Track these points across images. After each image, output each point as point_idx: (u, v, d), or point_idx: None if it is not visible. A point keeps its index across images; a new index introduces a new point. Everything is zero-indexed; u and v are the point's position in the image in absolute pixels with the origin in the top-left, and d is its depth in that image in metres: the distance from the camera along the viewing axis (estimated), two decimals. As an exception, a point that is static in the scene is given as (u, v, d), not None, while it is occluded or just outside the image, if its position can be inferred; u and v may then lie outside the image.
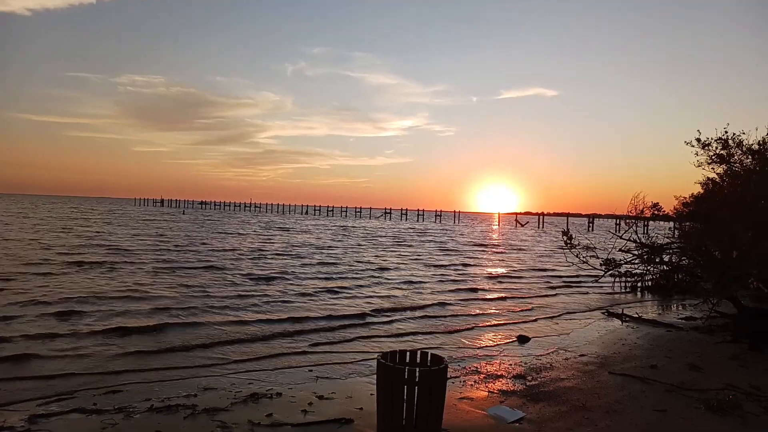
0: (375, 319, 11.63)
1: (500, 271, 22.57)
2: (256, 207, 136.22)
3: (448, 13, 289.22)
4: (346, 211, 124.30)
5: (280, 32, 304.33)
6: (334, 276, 18.12)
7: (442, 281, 18.35)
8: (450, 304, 13.76)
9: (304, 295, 14.10)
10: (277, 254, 25.04)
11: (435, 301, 14.00)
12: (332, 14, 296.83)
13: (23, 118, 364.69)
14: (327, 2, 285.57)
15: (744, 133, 11.42)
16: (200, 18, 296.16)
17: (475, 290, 16.56)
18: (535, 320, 12.24)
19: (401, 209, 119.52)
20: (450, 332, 10.78)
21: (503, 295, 15.92)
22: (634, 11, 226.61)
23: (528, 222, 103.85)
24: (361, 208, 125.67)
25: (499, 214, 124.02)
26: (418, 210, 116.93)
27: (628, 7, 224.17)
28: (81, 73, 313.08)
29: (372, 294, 14.81)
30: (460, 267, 23.19)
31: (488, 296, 15.63)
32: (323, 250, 28.16)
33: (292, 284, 15.87)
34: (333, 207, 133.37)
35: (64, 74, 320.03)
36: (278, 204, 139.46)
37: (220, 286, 14.78)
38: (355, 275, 18.58)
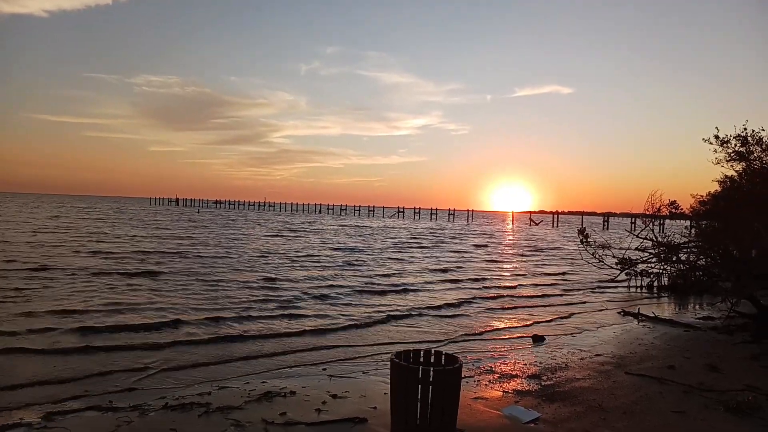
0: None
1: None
2: (270, 206, 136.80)
3: (462, 12, 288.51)
4: (359, 210, 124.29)
5: (294, 32, 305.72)
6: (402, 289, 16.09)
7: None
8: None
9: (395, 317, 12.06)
10: (321, 261, 22.80)
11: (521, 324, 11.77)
12: (346, 14, 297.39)
13: (41, 118, 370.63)
14: (340, 2, 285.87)
15: (764, 130, 11.27)
16: (214, 18, 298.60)
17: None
18: (550, 320, 12.16)
19: (414, 208, 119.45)
20: (465, 333, 10.76)
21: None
22: (651, 8, 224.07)
23: (542, 221, 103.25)
24: (374, 207, 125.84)
25: (513, 212, 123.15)
26: (431, 209, 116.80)
27: (644, 5, 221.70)
28: (97, 73, 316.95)
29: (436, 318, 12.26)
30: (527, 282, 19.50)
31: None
32: (365, 255, 26.37)
33: (367, 304, 13.50)
34: (346, 206, 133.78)
35: (80, 75, 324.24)
36: (292, 203, 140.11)
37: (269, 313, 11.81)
38: (423, 291, 16.02)
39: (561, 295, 16.23)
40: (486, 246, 37.44)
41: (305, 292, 14.53)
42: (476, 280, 19.05)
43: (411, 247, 33.24)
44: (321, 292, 14.82)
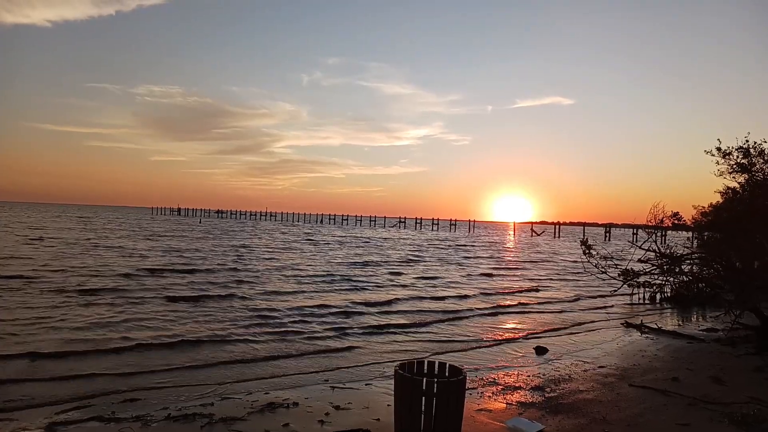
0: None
1: None
2: (271, 216, 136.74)
3: (463, 23, 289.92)
4: (361, 221, 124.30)
5: (296, 43, 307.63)
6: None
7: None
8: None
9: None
10: (353, 281, 19.68)
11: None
12: (347, 24, 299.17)
13: (43, 127, 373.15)
14: (342, 13, 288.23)
15: (766, 142, 11.26)
16: (216, 29, 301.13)
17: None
18: (553, 331, 12.12)
19: (415, 218, 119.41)
20: (467, 341, 10.73)
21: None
22: (652, 20, 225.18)
23: (544, 231, 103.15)
24: (375, 216, 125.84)
25: (514, 223, 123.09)
26: (433, 219, 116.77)
27: (645, 16, 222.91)
28: (100, 83, 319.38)
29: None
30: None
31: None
32: (397, 272, 23.59)
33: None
34: (347, 216, 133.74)
35: (83, 85, 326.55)
36: (293, 213, 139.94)
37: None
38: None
39: (563, 309, 16.18)
40: (535, 261, 33.74)
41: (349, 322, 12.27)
42: (529, 304, 16.28)
43: (442, 263, 29.57)
44: (372, 320, 12.60)
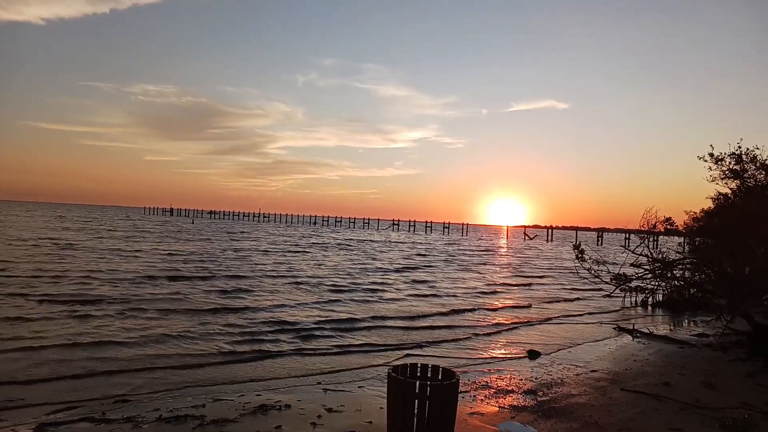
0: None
1: None
2: (265, 217, 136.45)
3: (459, 26, 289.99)
4: (354, 223, 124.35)
5: (292, 43, 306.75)
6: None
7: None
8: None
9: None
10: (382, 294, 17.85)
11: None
12: (344, 26, 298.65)
13: (37, 126, 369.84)
14: (339, 14, 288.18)
15: (758, 149, 11.35)
16: (212, 29, 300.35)
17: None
18: (545, 335, 12.14)
19: (409, 221, 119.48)
20: (459, 347, 10.73)
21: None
22: (648, 26, 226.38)
23: (537, 235, 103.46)
24: (369, 219, 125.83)
25: (507, 227, 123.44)
26: (426, 222, 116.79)
27: (641, 22, 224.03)
28: (94, 82, 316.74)
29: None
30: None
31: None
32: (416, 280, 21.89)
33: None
34: (341, 218, 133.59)
35: (77, 83, 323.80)
36: (287, 214, 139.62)
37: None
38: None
39: (558, 315, 16.22)
40: (550, 268, 31.87)
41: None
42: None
43: (454, 270, 27.93)
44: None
